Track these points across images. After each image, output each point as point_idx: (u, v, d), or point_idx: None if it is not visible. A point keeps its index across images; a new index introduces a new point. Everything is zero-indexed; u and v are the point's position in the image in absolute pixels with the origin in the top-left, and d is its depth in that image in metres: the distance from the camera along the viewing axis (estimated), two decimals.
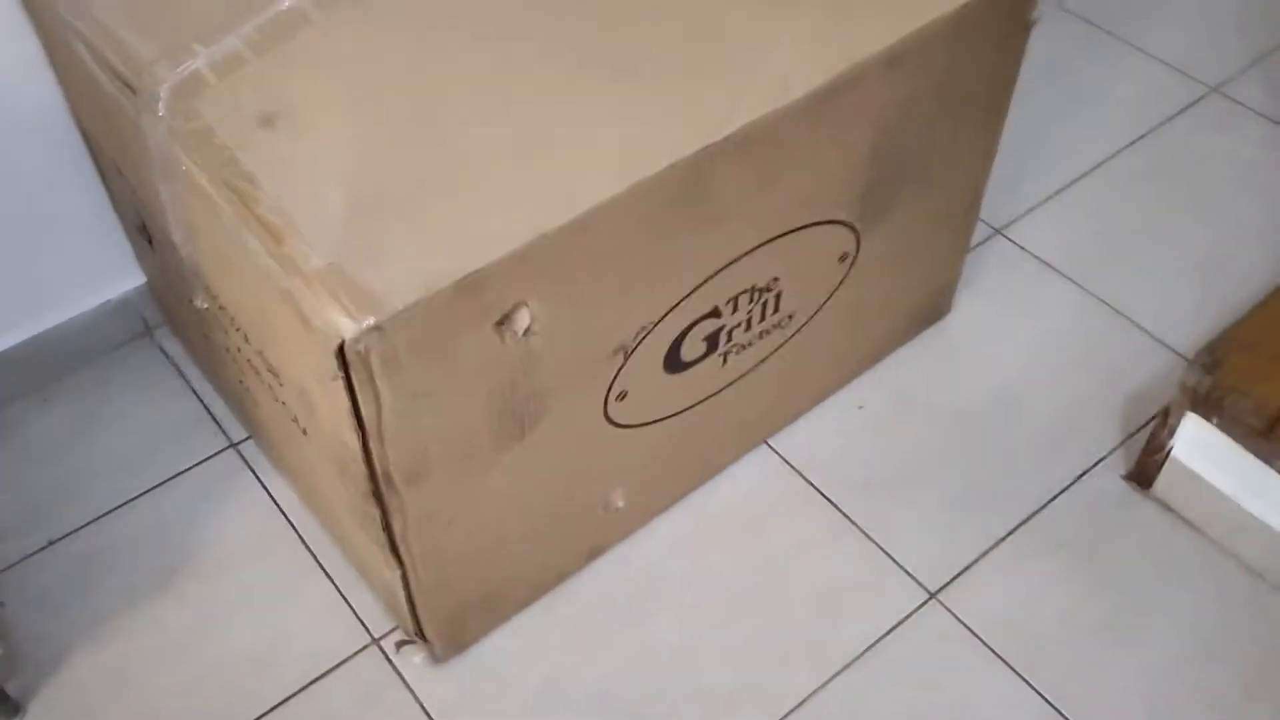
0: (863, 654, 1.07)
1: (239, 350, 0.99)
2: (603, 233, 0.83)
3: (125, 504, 1.19)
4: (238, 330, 0.94)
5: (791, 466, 1.20)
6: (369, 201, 0.79)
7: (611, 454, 1.03)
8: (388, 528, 0.89)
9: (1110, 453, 1.21)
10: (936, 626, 1.09)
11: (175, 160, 0.84)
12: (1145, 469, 1.16)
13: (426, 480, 0.87)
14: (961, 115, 1.07)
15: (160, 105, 0.85)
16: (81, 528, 1.17)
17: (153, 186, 0.93)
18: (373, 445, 0.81)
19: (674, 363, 1.00)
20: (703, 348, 1.01)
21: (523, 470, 0.95)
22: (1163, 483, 1.15)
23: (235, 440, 1.24)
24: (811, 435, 1.23)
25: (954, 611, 1.09)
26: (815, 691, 1.04)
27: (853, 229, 1.06)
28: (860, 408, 1.25)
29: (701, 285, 0.95)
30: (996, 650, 1.07)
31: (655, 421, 1.04)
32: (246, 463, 1.22)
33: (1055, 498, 1.17)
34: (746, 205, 0.92)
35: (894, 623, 1.09)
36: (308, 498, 1.14)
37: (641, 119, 0.85)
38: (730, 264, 0.96)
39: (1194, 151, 1.51)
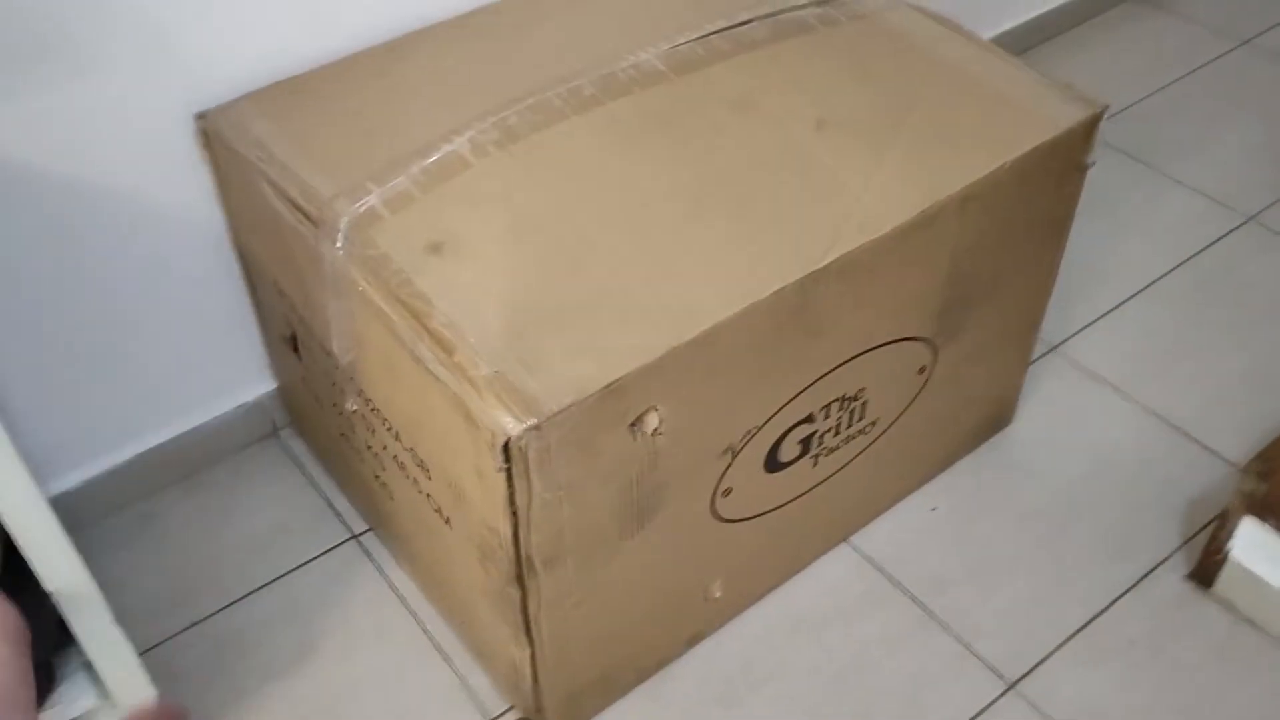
0: None
1: (385, 448, 1.11)
2: (721, 347, 0.95)
3: (259, 589, 1.30)
4: (389, 430, 1.06)
5: (872, 563, 1.30)
6: (525, 318, 0.92)
7: (714, 546, 1.13)
8: (524, 609, 0.99)
9: (1171, 554, 1.30)
10: (1015, 717, 1.16)
11: (351, 281, 0.98)
12: (1206, 569, 1.24)
13: (561, 565, 0.98)
14: (1025, 244, 1.20)
15: (339, 235, 0.99)
16: (219, 610, 1.28)
17: (319, 303, 1.07)
18: (520, 531, 0.92)
19: (773, 463, 1.11)
20: (798, 450, 1.12)
21: (639, 558, 1.05)
22: (1223, 582, 1.23)
23: (357, 532, 1.35)
24: (890, 534, 1.32)
25: (1032, 701, 1.17)
26: None
27: (931, 344, 1.17)
28: (933, 509, 1.35)
29: (800, 394, 1.06)
30: None
31: (754, 517, 1.14)
32: (367, 553, 1.33)
33: (1122, 595, 1.26)
34: (841, 324, 1.05)
35: (976, 711, 1.17)
36: (432, 587, 1.24)
37: (754, 250, 0.98)
38: (825, 375, 1.07)
39: (1233, 276, 1.62)
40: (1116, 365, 1.50)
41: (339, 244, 0.99)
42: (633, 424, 0.93)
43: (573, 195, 1.01)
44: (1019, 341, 1.34)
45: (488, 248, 0.96)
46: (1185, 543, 1.30)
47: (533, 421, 0.85)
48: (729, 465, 1.06)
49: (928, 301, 1.12)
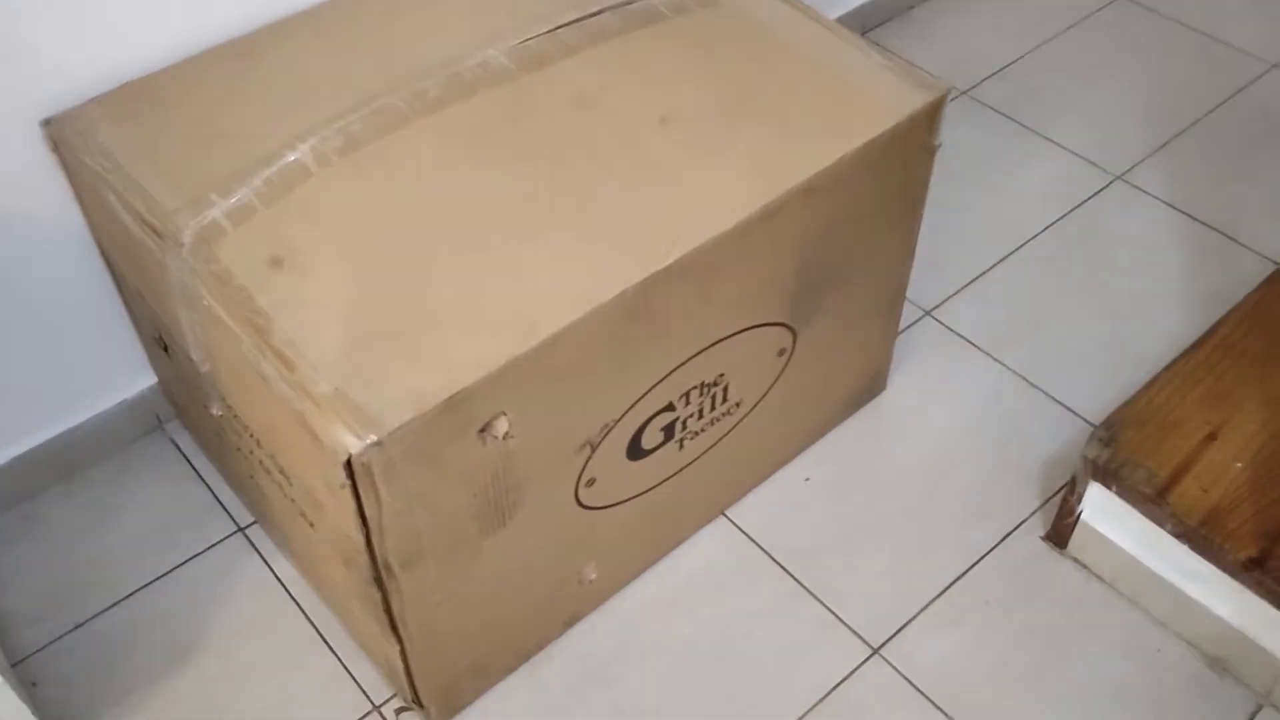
0: (815, 706, 1.20)
1: (251, 452, 1.12)
2: (566, 351, 0.97)
3: (145, 586, 1.31)
4: (250, 436, 1.08)
5: (747, 536, 1.34)
6: (366, 333, 0.93)
7: (583, 533, 1.17)
8: (388, 609, 1.02)
9: (1030, 515, 1.35)
10: (879, 679, 1.22)
11: (198, 295, 0.98)
12: (1060, 531, 1.30)
13: (420, 566, 1.00)
14: (878, 225, 1.23)
15: (184, 250, 0.99)
16: (105, 610, 1.29)
17: (174, 312, 1.07)
18: (374, 539, 0.95)
19: (636, 451, 1.14)
20: (660, 437, 1.15)
21: (505, 553, 1.08)
22: (1076, 543, 1.29)
23: (242, 525, 1.37)
24: (764, 506, 1.37)
25: (895, 665, 1.23)
26: None
27: (788, 328, 1.20)
28: (807, 480, 1.40)
29: (656, 386, 1.09)
30: (934, 700, 1.20)
31: (622, 502, 1.18)
32: (253, 546, 1.35)
33: (983, 558, 1.32)
34: (690, 318, 1.07)
35: (842, 676, 1.22)
36: (312, 579, 1.26)
37: (596, 254, 1.00)
38: (680, 366, 1.10)
39: (1100, 236, 1.67)
40: (986, 328, 1.55)
41: (184, 258, 0.99)
42: (482, 430, 0.95)
43: (415, 205, 1.02)
44: (883, 316, 1.37)
45: (328, 262, 0.97)
46: (1043, 504, 1.36)
47: (373, 438, 0.87)
48: (589, 458, 1.09)
49: (779, 289, 1.15)
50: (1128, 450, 1.20)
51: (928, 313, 1.57)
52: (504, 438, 0.97)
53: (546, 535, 1.12)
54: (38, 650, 1.26)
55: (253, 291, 0.95)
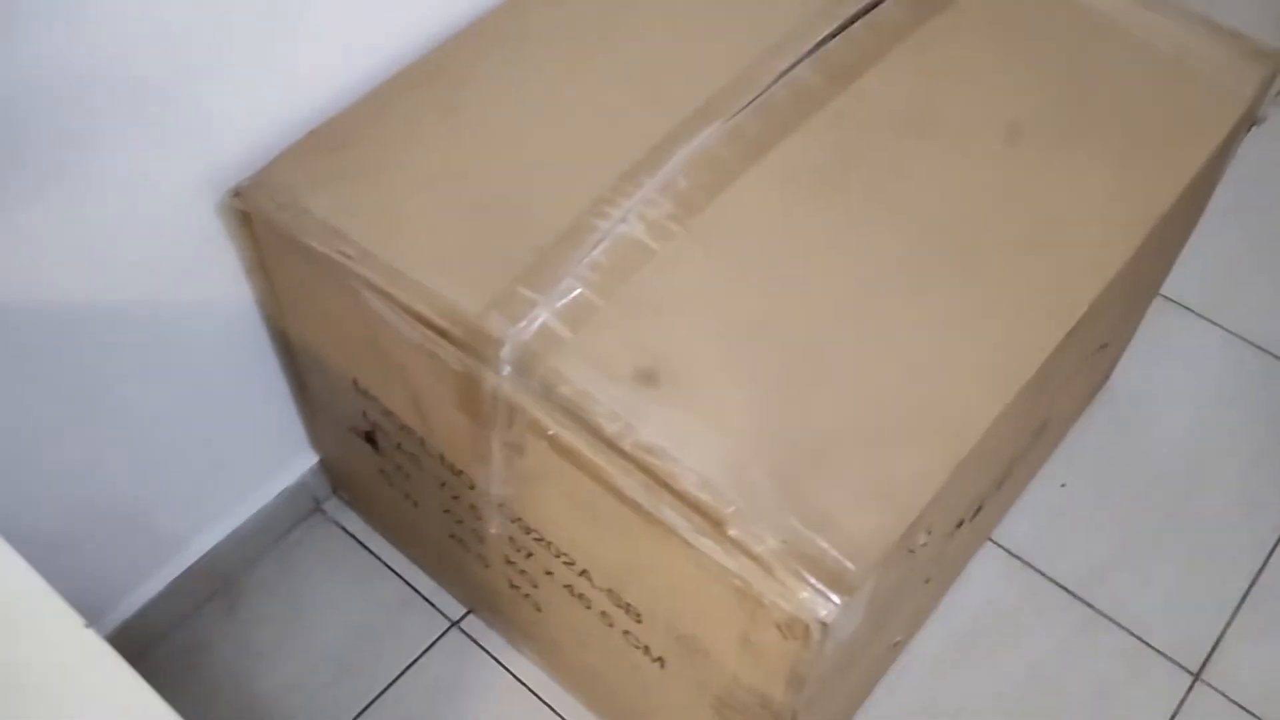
0: None
1: (548, 573, 0.93)
2: (989, 446, 0.81)
3: (363, 711, 1.12)
4: (569, 565, 0.89)
5: (1021, 560, 1.22)
6: (786, 461, 0.75)
7: (914, 605, 1.03)
8: None
9: None
10: (1208, 709, 1.13)
11: (532, 423, 0.78)
12: None
13: (817, 704, 0.85)
14: (1189, 216, 1.09)
15: (504, 365, 0.78)
16: None
17: (454, 430, 0.87)
18: (795, 694, 0.79)
19: (976, 514, 1.00)
20: (996, 489, 1.01)
21: (869, 653, 0.93)
22: None
23: (455, 618, 1.18)
24: (1028, 522, 1.24)
25: (1220, 690, 1.14)
26: None
27: (1106, 345, 1.06)
28: (1063, 485, 1.28)
29: (1022, 445, 0.95)
30: None
31: (948, 566, 1.04)
32: (474, 640, 1.16)
33: (1273, 552, 1.23)
34: (1069, 373, 0.92)
35: (1171, 713, 1.12)
36: (582, 687, 1.09)
37: (993, 322, 0.83)
38: (1039, 417, 0.96)
39: (1276, 175, 1.56)
40: (1196, 291, 1.43)
41: (505, 373, 0.78)
42: (911, 549, 0.79)
43: (782, 283, 0.82)
44: (1146, 303, 1.25)
45: (710, 370, 0.78)
46: None
47: (844, 600, 0.70)
48: (952, 538, 0.94)
49: (1117, 312, 1.01)
50: None
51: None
52: (920, 549, 0.82)
53: (897, 622, 0.97)
54: None
55: (629, 419, 0.75)
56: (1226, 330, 1.40)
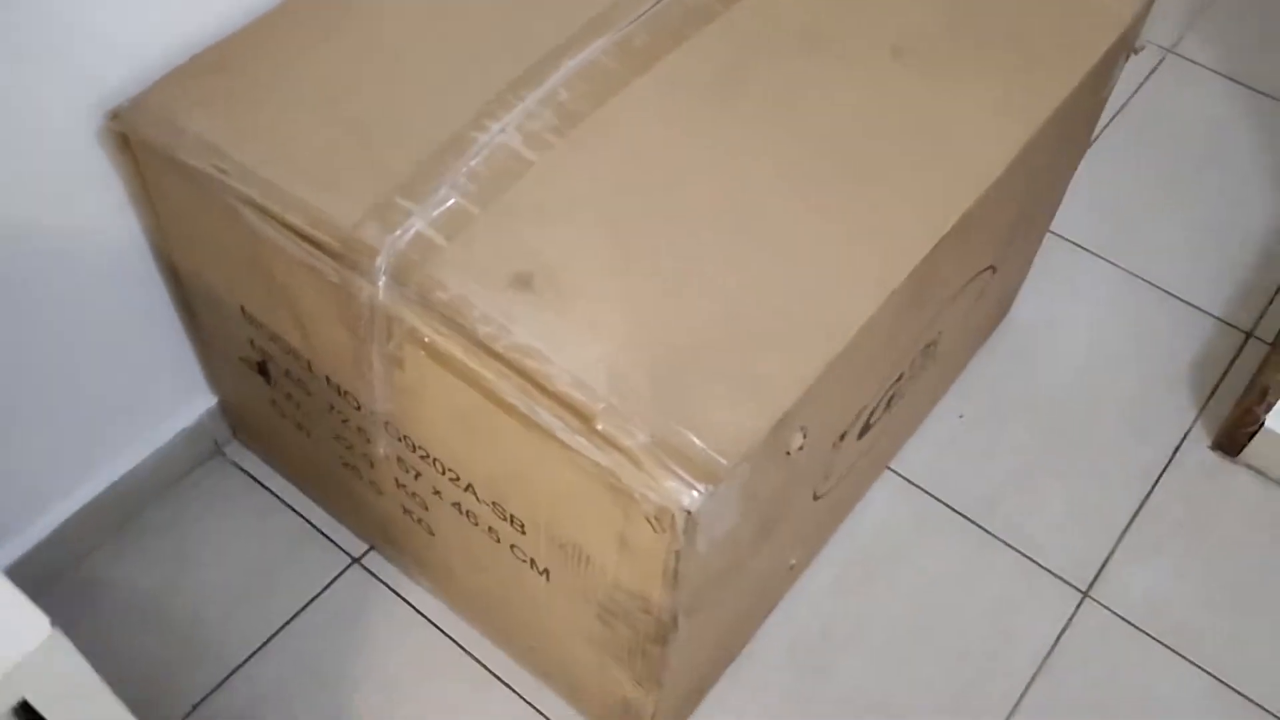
0: (1043, 664, 1.13)
1: (435, 492, 0.93)
2: (864, 346, 0.83)
3: (261, 648, 1.11)
4: (454, 480, 0.89)
5: (919, 487, 1.24)
6: (660, 360, 0.76)
7: (804, 525, 1.04)
8: (660, 660, 0.88)
9: (1192, 425, 1.30)
10: (1098, 624, 1.16)
11: (409, 332, 0.78)
12: (1235, 439, 1.26)
13: (699, 608, 0.86)
14: (1073, 140, 1.11)
15: (380, 274, 0.78)
16: (222, 683, 1.09)
17: (337, 346, 0.87)
18: (672, 593, 0.80)
19: (864, 430, 1.01)
20: (885, 408, 1.03)
21: (757, 567, 0.95)
22: (1253, 450, 1.25)
23: (355, 555, 1.17)
24: (926, 452, 1.27)
25: (1109, 607, 1.17)
26: (1012, 712, 1.10)
27: (994, 269, 1.09)
28: (961, 417, 1.30)
29: (905, 358, 0.96)
30: (1156, 636, 1.15)
31: (838, 484, 1.06)
32: (374, 575, 1.16)
33: (1160, 477, 1.26)
34: (945, 282, 0.94)
35: (1060, 628, 1.16)
36: (484, 615, 1.09)
37: (873, 225, 0.84)
38: (924, 332, 0.97)
39: (1165, 118, 1.60)
40: (1088, 230, 1.47)
41: (381, 284, 0.79)
42: (785, 452, 0.81)
43: (664, 191, 0.83)
44: (1040, 237, 1.27)
45: (587, 274, 0.78)
46: (1201, 412, 1.32)
47: (710, 489, 0.72)
48: (838, 449, 0.96)
49: (1003, 230, 1.03)
50: None
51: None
52: (798, 450, 0.83)
53: (785, 537, 0.99)
54: None
55: (504, 322, 0.76)
56: (1121, 268, 1.44)
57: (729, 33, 0.91)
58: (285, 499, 1.21)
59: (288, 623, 1.13)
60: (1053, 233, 1.46)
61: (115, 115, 0.88)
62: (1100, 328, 1.39)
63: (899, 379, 1.00)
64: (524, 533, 0.87)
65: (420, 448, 0.89)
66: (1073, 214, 1.48)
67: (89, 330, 1.03)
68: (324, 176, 0.82)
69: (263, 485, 1.22)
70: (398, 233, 0.79)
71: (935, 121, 0.90)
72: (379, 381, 0.86)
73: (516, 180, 0.81)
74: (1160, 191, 1.52)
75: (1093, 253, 1.45)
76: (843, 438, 0.95)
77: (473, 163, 0.81)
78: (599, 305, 0.77)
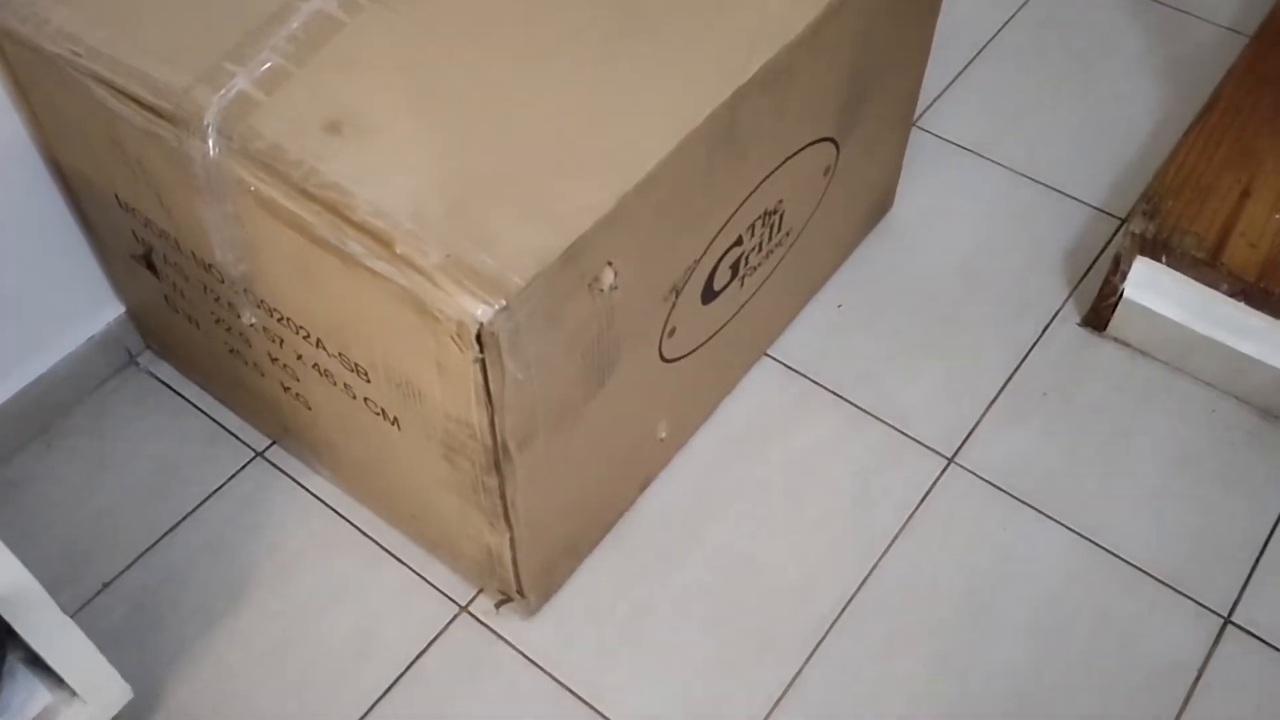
0: (906, 524, 1.19)
1: (299, 358, 1.00)
2: (666, 185, 0.89)
3: (169, 532, 1.19)
4: (306, 338, 0.96)
5: (795, 371, 1.30)
6: (460, 192, 0.83)
7: (661, 388, 1.10)
8: (501, 495, 0.94)
9: (1063, 305, 1.36)
10: (962, 486, 1.21)
11: (236, 182, 0.85)
12: (1100, 314, 1.31)
13: (533, 443, 0.93)
14: (910, 18, 1.17)
15: (209, 130, 0.86)
16: (132, 564, 1.17)
17: (190, 212, 0.94)
18: (495, 418, 0.86)
19: (709, 293, 1.07)
20: (729, 274, 1.09)
21: (601, 418, 1.01)
22: (1117, 323, 1.30)
23: (259, 449, 1.25)
24: (804, 339, 1.33)
25: (973, 470, 1.22)
26: (874, 567, 1.16)
27: (834, 142, 1.15)
28: (839, 306, 1.36)
29: (731, 217, 1.02)
30: (1017, 496, 1.20)
31: (692, 351, 1.12)
32: (278, 468, 1.23)
33: (1029, 352, 1.32)
34: (764, 137, 1.00)
35: (924, 492, 1.21)
36: (365, 489, 1.16)
37: (677, 75, 0.91)
38: (752, 193, 1.03)
39: (1059, 22, 1.66)
40: (974, 131, 1.53)
41: (210, 141, 0.86)
42: (591, 282, 0.87)
43: (470, 43, 0.90)
44: (903, 123, 1.33)
45: (394, 119, 0.86)
46: (1073, 292, 1.37)
47: (501, 303, 0.78)
48: (674, 305, 1.02)
49: (833, 99, 1.09)
50: (1172, 220, 1.21)
51: (913, 123, 1.54)
52: (609, 289, 0.89)
53: (634, 394, 1.05)
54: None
55: (315, 163, 0.83)
56: (1005, 166, 1.49)
57: None
58: (197, 404, 1.28)
59: (194, 510, 1.20)
60: (938, 136, 1.52)
61: None
62: (980, 222, 1.44)
63: (738, 242, 1.06)
64: (369, 381, 0.94)
65: (275, 309, 0.96)
66: (960, 116, 1.54)
67: None
68: (164, 50, 0.90)
69: (175, 391, 1.29)
70: (223, 92, 0.86)
71: None
72: (228, 244, 0.93)
73: (329, 40, 0.88)
74: (1048, 93, 1.58)
75: (976, 153, 1.51)
76: (677, 294, 1.01)
77: (294, 26, 0.88)
78: (403, 145, 0.84)
